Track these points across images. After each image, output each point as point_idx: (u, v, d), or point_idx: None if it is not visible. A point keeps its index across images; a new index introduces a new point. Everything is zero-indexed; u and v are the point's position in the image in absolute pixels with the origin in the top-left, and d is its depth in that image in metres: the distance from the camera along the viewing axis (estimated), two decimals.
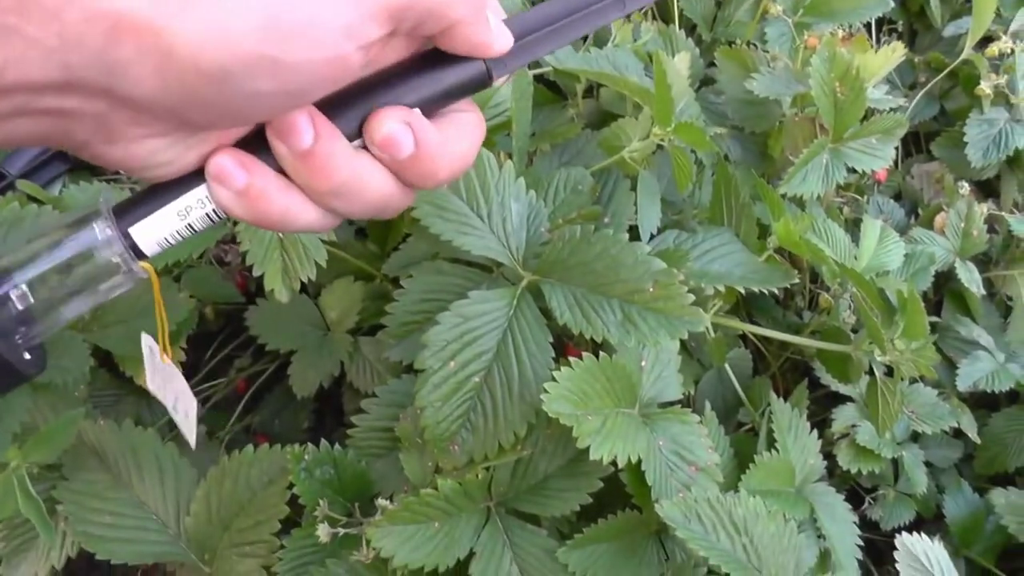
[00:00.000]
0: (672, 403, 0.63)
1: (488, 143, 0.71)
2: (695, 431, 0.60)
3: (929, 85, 1.05)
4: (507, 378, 0.58)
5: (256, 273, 0.60)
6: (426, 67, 0.36)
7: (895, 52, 0.79)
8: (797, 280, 0.70)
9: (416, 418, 0.58)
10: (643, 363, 0.62)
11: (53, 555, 0.67)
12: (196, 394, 0.82)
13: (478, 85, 0.37)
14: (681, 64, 0.81)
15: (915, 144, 1.11)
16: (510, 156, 0.67)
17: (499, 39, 0.36)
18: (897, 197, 1.03)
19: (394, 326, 0.63)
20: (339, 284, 0.76)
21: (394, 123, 0.34)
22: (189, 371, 0.80)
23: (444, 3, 0.33)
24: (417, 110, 0.35)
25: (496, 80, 0.37)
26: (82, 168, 0.83)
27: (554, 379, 0.54)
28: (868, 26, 1.07)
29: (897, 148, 1.05)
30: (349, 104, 0.35)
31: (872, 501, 0.83)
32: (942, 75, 1.04)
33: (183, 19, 0.29)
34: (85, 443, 0.67)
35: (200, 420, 0.80)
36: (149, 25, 0.29)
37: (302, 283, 0.62)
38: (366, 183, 0.35)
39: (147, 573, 0.79)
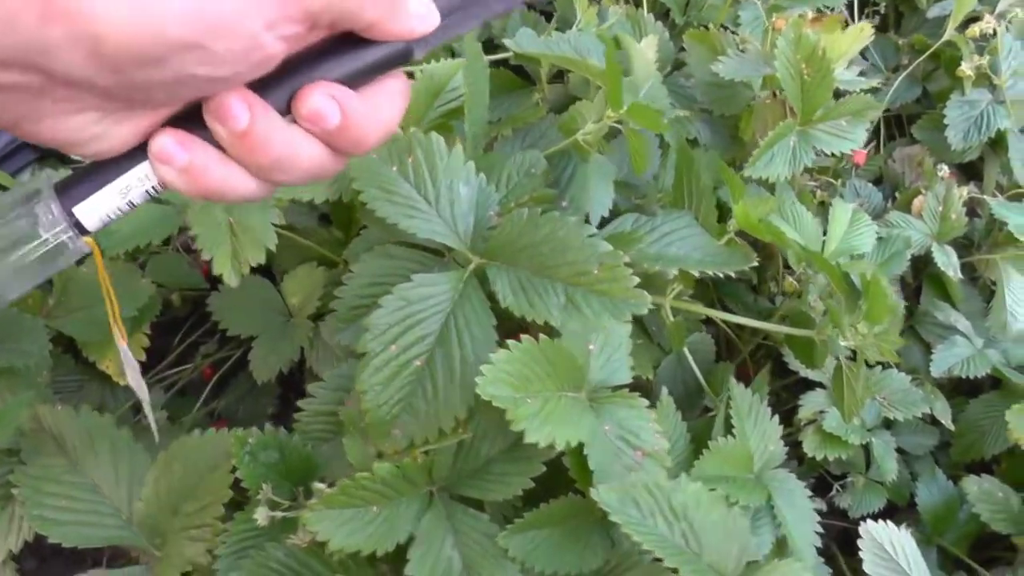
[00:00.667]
0: (622, 387, 0.62)
1: (445, 127, 0.71)
2: (643, 415, 0.60)
3: (911, 67, 1.04)
4: (449, 362, 0.57)
5: (205, 257, 0.60)
6: (349, 46, 0.37)
7: (863, 31, 0.78)
8: (756, 263, 0.69)
9: (358, 402, 0.58)
10: (591, 346, 0.62)
11: (10, 540, 0.68)
12: (162, 380, 0.83)
13: (400, 61, 0.38)
14: (648, 48, 0.80)
15: (898, 127, 1.10)
16: None
17: (420, 24, 0.37)
18: (878, 181, 1.02)
19: (343, 310, 0.64)
20: (301, 270, 0.77)
21: (319, 97, 0.36)
22: (156, 358, 0.81)
23: (357, 7, 0.35)
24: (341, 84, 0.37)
25: (418, 54, 0.38)
26: (51, 156, 0.83)
27: (490, 362, 0.54)
28: (850, 8, 1.06)
29: (879, 131, 1.04)
30: (278, 82, 0.36)
31: (840, 488, 0.83)
32: (924, 56, 1.03)
33: (112, 4, 0.30)
34: (43, 428, 0.68)
35: (163, 406, 0.81)
36: (79, 10, 0.29)
37: (267, 269, 0.62)
38: (300, 154, 0.37)
39: (113, 557, 0.80)
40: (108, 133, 0.35)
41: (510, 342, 0.56)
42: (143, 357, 0.75)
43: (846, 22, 0.93)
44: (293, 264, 0.77)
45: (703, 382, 0.74)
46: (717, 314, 0.73)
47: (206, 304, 0.78)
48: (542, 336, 0.57)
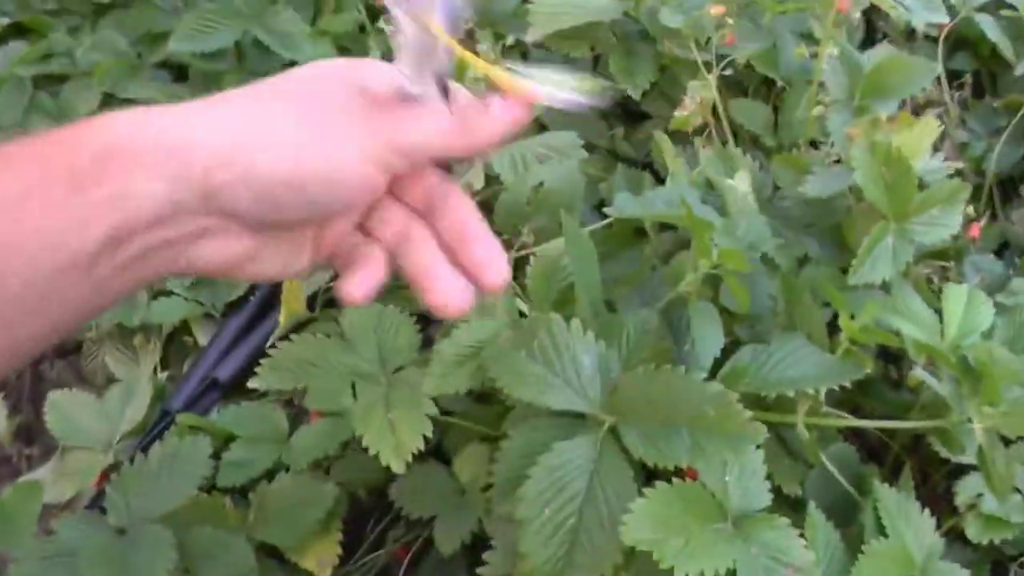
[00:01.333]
0: (764, 510, 0.67)
1: (568, 301, 0.79)
2: (787, 534, 0.65)
3: (1009, 128, 1.06)
4: (598, 516, 0.65)
5: (372, 452, 0.70)
6: None
7: (929, 126, 0.83)
8: (869, 369, 0.73)
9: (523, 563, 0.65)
10: (728, 478, 0.67)
11: None
12: (361, 567, 0.93)
13: None
14: (742, 183, 0.87)
15: (1013, 190, 1.11)
16: None
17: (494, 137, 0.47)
18: (1002, 249, 1.03)
19: (501, 483, 0.72)
20: (467, 449, 0.86)
21: None
22: (353, 545, 0.90)
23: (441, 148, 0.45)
24: None
25: None
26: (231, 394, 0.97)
27: (631, 511, 0.61)
28: (939, 85, 1.10)
29: (993, 198, 1.06)
30: None
31: (1020, 568, 0.83)
32: (1019, 116, 1.05)
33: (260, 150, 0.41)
34: None
35: None
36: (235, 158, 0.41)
37: (441, 454, 0.72)
38: None
39: None
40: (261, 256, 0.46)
41: (646, 490, 0.62)
42: (339, 551, 0.85)
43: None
44: (461, 444, 0.87)
45: (850, 489, 0.78)
46: (849, 422, 0.77)
47: (388, 493, 0.88)
48: (675, 479, 0.63)
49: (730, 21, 0.92)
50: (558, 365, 0.70)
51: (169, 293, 1.02)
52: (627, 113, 1.14)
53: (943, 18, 1.06)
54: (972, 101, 1.14)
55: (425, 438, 0.73)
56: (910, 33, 1.23)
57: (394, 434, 0.72)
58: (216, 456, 0.82)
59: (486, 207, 0.93)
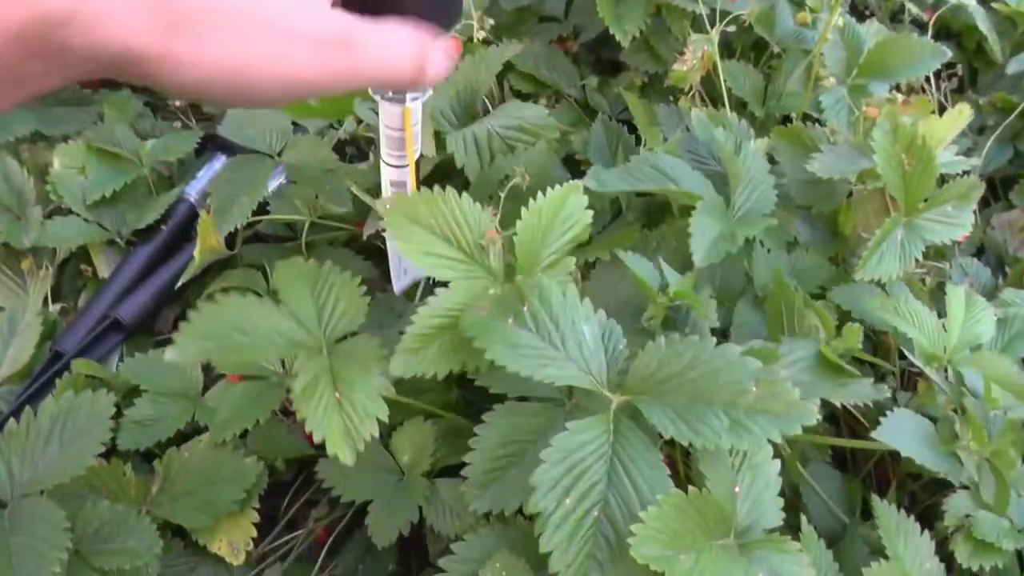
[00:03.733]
0: (773, 530, 0.61)
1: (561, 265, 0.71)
2: (796, 559, 0.58)
3: (999, 128, 1.03)
4: (628, 504, 0.57)
5: (317, 439, 0.60)
6: None
7: (962, 114, 0.78)
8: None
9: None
10: (737, 489, 0.61)
11: None
12: (276, 548, 0.83)
13: None
14: (756, 154, 0.80)
15: (991, 192, 1.08)
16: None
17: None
18: (979, 252, 1.00)
19: (477, 475, 0.63)
20: (409, 426, 0.76)
21: None
22: (266, 524, 0.80)
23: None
24: None
25: None
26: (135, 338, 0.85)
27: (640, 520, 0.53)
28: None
29: None
30: None
31: None
32: (1013, 116, 1.02)
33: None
34: None
35: (282, 575, 0.80)
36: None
37: None
38: None
39: None
40: None
41: (659, 497, 0.55)
42: (254, 533, 0.75)
43: (941, 106, 0.93)
44: (398, 419, 0.77)
45: (831, 506, 0.73)
46: (837, 442, 0.72)
47: (312, 466, 0.78)
48: (691, 488, 0.56)
49: None
50: (556, 336, 0.61)
51: (67, 212, 0.88)
52: (599, 61, 1.06)
53: None
54: (955, 96, 1.10)
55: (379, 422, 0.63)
56: (895, 15, 1.19)
57: (343, 417, 0.62)
58: (116, 414, 0.70)
59: (441, 173, 0.84)
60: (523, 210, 0.68)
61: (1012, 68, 1.08)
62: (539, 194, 0.69)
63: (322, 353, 0.64)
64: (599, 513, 0.56)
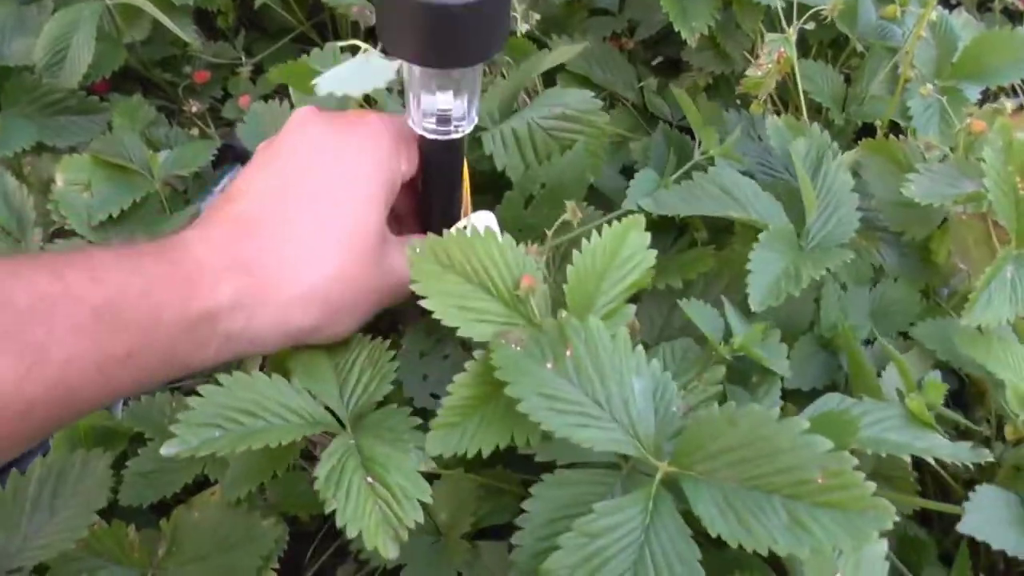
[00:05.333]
0: None
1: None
2: None
3: None
4: None
5: (351, 534, 0.52)
6: None
7: None
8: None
9: None
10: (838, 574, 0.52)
11: None
12: None
13: None
14: (840, 171, 0.71)
15: None
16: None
17: None
18: None
19: (524, 560, 0.55)
20: (447, 479, 0.68)
21: None
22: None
23: None
24: None
25: None
26: None
27: None
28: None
29: None
30: None
31: None
32: None
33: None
34: None
35: None
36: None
37: None
38: None
39: None
40: None
41: None
42: None
43: None
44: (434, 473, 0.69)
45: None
46: (920, 503, 0.63)
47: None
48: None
49: None
50: (600, 391, 0.53)
51: (71, 233, 0.82)
52: (657, 61, 0.98)
53: None
54: None
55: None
56: (982, 3, 1.09)
57: (379, 505, 0.54)
58: (120, 463, 0.63)
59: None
60: (574, 253, 0.60)
61: None
62: (594, 234, 0.61)
63: (346, 431, 0.58)
64: None
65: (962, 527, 0.57)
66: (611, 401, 0.53)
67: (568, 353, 0.54)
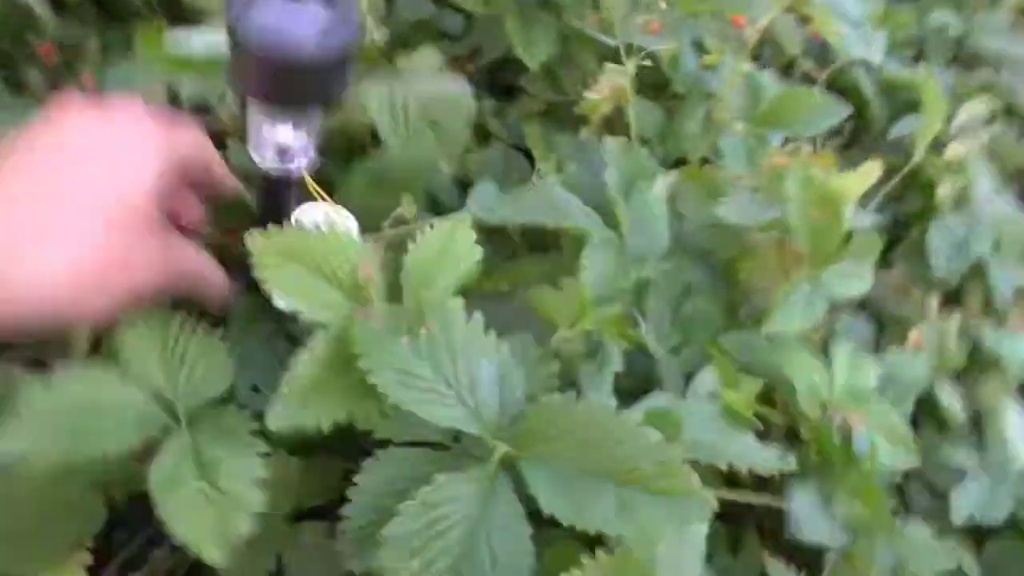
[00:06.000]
0: None
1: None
2: None
3: (881, 193, 1.06)
4: None
5: (179, 537, 0.52)
6: None
7: (872, 172, 0.78)
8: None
9: None
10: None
11: None
12: None
13: None
14: (659, 192, 0.78)
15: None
16: None
17: None
18: (860, 307, 1.01)
19: (353, 530, 0.57)
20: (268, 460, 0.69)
21: None
22: (101, 563, 0.71)
23: None
24: None
25: None
26: None
27: None
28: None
29: None
30: None
31: None
32: (896, 179, 1.04)
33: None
34: None
35: None
36: None
37: None
38: None
39: None
40: None
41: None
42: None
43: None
44: None
45: None
46: (726, 495, 0.70)
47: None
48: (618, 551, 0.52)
49: (663, 5, 0.83)
50: (450, 370, 0.57)
51: None
52: (494, 84, 1.03)
53: (877, 56, 1.04)
54: (843, 153, 1.13)
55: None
56: (786, 67, 1.21)
57: (215, 513, 0.54)
58: None
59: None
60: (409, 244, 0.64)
61: (893, 133, 1.11)
62: (427, 228, 0.64)
63: (181, 428, 0.57)
64: None
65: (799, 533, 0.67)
66: (459, 381, 0.56)
67: (423, 331, 0.56)
